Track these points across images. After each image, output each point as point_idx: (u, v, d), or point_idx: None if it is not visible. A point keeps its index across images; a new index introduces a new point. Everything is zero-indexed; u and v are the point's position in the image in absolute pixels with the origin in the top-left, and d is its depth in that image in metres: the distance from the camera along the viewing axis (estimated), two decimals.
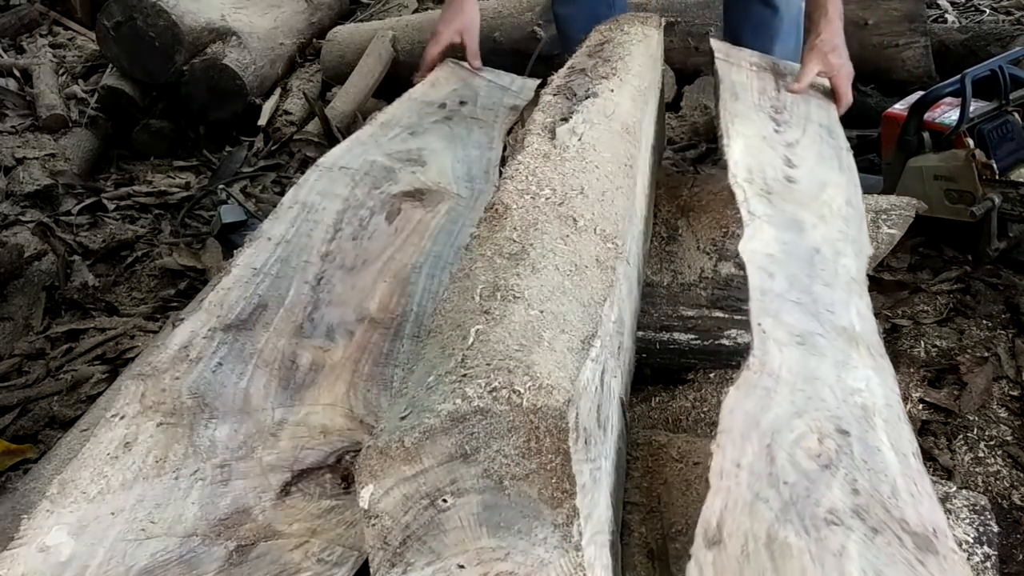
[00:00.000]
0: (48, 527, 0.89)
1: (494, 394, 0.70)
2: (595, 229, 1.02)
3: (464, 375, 0.73)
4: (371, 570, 0.73)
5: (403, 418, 0.72)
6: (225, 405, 1.05)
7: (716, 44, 1.92)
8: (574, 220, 1.01)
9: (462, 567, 0.71)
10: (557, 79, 1.43)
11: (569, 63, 1.51)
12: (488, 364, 0.74)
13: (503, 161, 1.69)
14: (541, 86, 2.09)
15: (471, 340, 0.78)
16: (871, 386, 1.08)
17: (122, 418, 1.00)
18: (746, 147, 1.55)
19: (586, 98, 1.32)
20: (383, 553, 0.72)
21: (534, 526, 0.70)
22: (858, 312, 1.23)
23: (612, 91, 1.37)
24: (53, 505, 0.90)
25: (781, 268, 1.26)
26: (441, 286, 1.30)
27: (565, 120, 1.24)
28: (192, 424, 1.02)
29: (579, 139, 1.20)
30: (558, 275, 0.90)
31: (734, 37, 2.21)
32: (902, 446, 1.00)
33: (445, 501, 0.70)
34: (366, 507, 0.71)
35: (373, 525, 0.71)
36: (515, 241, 0.95)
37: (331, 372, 1.14)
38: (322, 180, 1.50)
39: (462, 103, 1.87)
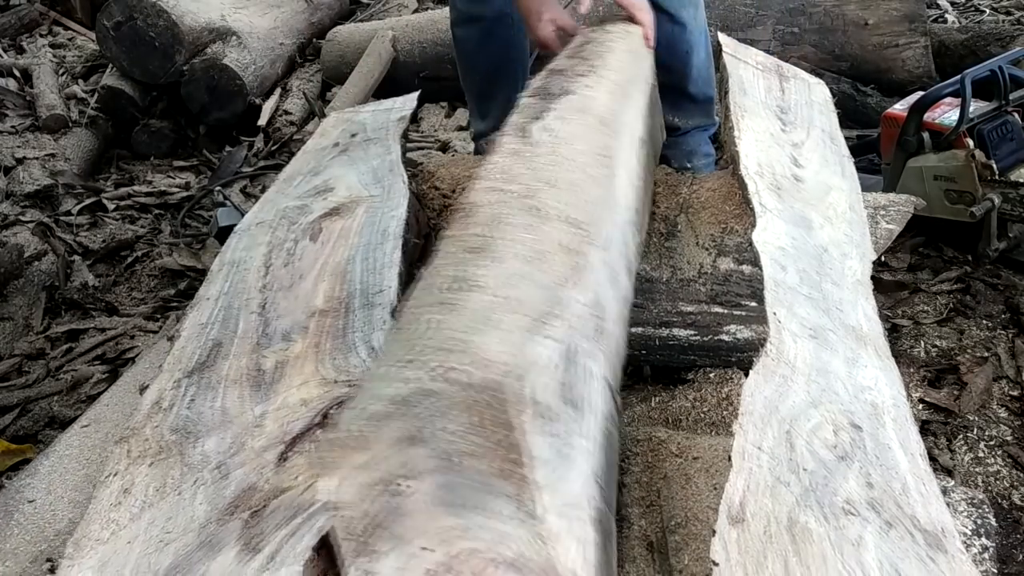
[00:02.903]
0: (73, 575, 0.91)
1: (432, 373, 0.71)
2: (563, 217, 1.02)
3: (410, 360, 0.74)
4: (339, 562, 0.73)
5: (352, 408, 0.73)
6: (207, 425, 1.08)
7: (724, 39, 1.92)
8: (538, 210, 1.02)
9: (426, 549, 0.70)
10: (535, 82, 1.42)
11: (549, 66, 1.50)
12: (436, 348, 0.75)
13: (404, 155, 1.75)
14: (421, 95, 2.10)
15: (424, 329, 0.80)
16: (879, 386, 1.10)
17: (116, 475, 1.03)
18: (756, 142, 1.55)
19: (561, 96, 1.32)
20: (348, 543, 0.71)
21: (488, 500, 0.70)
22: (865, 314, 1.25)
23: (589, 87, 1.36)
24: (73, 560, 0.93)
25: (793, 262, 1.28)
26: (377, 262, 1.35)
27: (538, 118, 1.24)
28: (181, 452, 1.05)
29: (552, 135, 1.20)
30: (518, 262, 0.91)
31: None
32: (910, 446, 1.02)
33: (399, 485, 0.70)
34: (326, 500, 0.71)
35: (336, 517, 0.71)
36: (480, 236, 0.96)
37: (296, 361, 1.17)
38: (243, 239, 1.54)
39: (353, 135, 1.93)
